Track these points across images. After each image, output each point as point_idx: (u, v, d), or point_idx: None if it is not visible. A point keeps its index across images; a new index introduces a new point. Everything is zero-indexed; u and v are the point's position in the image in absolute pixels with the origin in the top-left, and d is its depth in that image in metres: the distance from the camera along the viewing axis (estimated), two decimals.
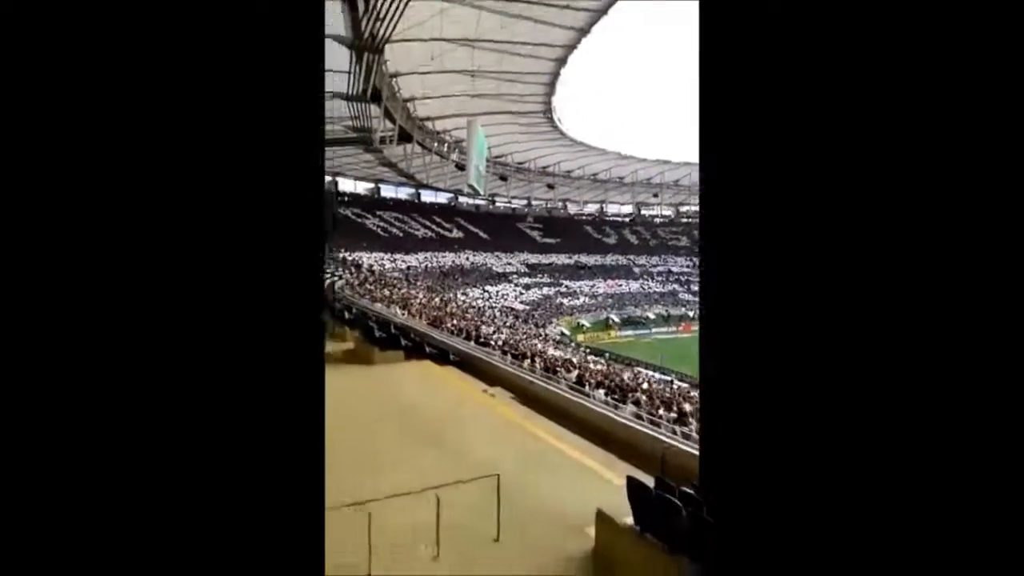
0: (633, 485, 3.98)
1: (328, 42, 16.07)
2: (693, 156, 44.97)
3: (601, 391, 9.73)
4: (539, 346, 17.36)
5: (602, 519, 4.12)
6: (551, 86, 26.31)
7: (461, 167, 27.94)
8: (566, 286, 41.29)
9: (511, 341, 16.11)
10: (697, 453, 6.33)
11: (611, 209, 53.46)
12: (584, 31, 20.85)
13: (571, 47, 22.10)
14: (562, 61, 23.44)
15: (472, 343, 13.32)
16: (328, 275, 23.19)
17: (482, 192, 31.17)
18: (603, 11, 19.40)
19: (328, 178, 40.35)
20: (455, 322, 17.33)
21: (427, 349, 10.75)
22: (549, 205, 49.90)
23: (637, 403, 9.45)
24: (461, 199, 45.85)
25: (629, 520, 3.95)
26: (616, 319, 37.23)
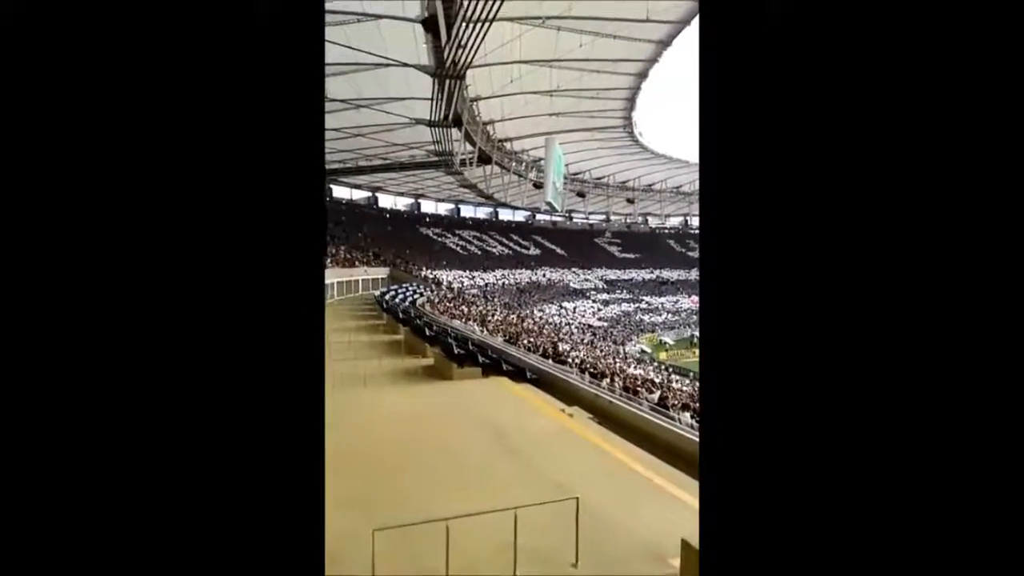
0: None
1: (410, 71, 17.00)
2: None
3: (687, 414, 9.26)
4: (618, 364, 16.92)
5: (688, 550, 3.87)
6: (632, 100, 25.99)
7: (539, 185, 28.24)
8: (647, 302, 40.13)
9: (589, 359, 15.84)
10: None
11: (696, 221, 51.44)
12: (666, 43, 20.46)
13: (653, 60, 21.76)
14: (643, 75, 23.12)
15: (549, 361, 13.24)
16: (412, 292, 24.21)
17: (559, 209, 31.24)
18: (686, 21, 18.95)
19: (411, 200, 42.39)
20: (531, 339, 17.35)
21: (504, 366, 10.82)
22: (628, 220, 48.96)
23: None
24: (538, 217, 46.25)
25: None
26: None
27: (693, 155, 37.88)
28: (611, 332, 32.90)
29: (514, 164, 31.23)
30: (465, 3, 12.38)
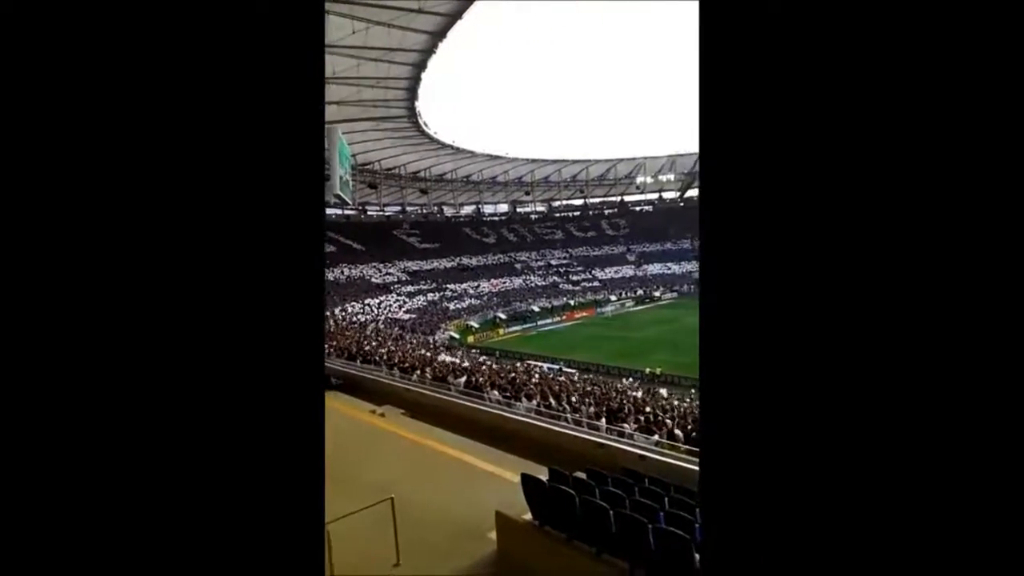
0: (528, 480, 4.06)
1: None
2: (559, 153, 47.37)
3: (496, 391, 9.83)
4: (428, 355, 17.09)
5: (501, 519, 4.15)
6: (413, 91, 25.98)
7: (325, 177, 26.54)
8: (451, 289, 41.18)
9: (399, 354, 15.68)
10: (591, 438, 6.65)
11: (487, 209, 54.35)
12: (440, 35, 20.85)
13: (429, 51, 21.99)
14: (421, 66, 23.26)
15: (357, 362, 12.75)
16: None
17: (350, 201, 29.86)
18: (457, 15, 19.55)
19: None
20: (335, 343, 16.44)
21: None
22: (425, 210, 49.37)
23: (530, 396, 9.70)
24: (329, 211, 43.60)
25: (528, 516, 4.02)
26: (503, 316, 37.93)
27: (479, 146, 39.84)
28: (419, 323, 32.99)
29: None
30: None
